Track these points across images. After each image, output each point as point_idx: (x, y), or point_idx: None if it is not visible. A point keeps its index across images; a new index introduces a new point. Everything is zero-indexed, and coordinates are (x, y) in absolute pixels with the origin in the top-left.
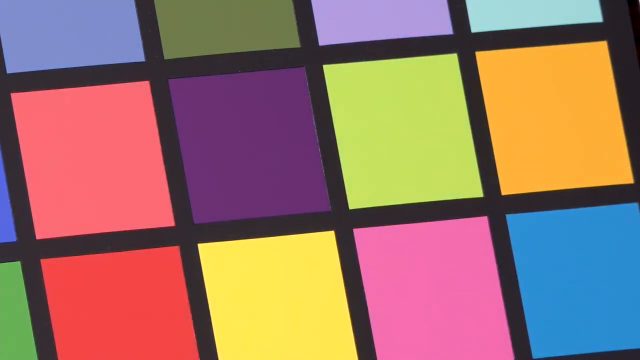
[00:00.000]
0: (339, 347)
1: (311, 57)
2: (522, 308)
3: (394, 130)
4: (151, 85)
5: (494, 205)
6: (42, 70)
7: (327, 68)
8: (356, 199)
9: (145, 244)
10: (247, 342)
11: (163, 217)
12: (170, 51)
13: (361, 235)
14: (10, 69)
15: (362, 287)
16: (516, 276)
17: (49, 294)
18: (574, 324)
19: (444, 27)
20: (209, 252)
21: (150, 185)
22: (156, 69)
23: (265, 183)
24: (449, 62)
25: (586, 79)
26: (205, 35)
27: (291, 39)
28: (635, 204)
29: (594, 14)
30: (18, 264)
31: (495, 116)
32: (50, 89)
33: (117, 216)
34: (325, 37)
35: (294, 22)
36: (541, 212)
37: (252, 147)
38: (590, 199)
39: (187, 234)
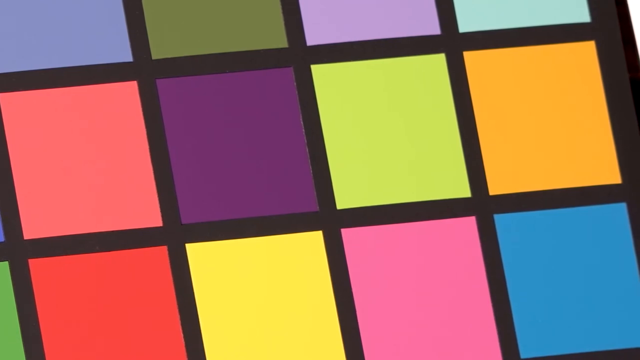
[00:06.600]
0: (326, 347)
1: (299, 57)
2: (510, 308)
3: (381, 130)
4: (139, 85)
5: (481, 205)
6: (30, 71)
7: (314, 68)
8: (344, 199)
9: (133, 244)
10: (235, 342)
11: (151, 217)
12: (158, 51)
13: (349, 235)
14: None
15: (349, 287)
16: (504, 276)
17: (37, 294)
18: (562, 324)
19: (432, 27)
20: (196, 252)
21: (138, 185)
22: (144, 69)
23: (253, 183)
24: (437, 62)
25: (574, 79)
26: (193, 35)
27: (279, 39)
28: (623, 204)
29: (581, 14)
30: (6, 264)
31: (483, 116)
32: (38, 89)
33: (105, 216)
34: (313, 37)
35: (282, 22)
36: (529, 212)
37: (240, 147)
38: (578, 199)
39: (174, 234)
